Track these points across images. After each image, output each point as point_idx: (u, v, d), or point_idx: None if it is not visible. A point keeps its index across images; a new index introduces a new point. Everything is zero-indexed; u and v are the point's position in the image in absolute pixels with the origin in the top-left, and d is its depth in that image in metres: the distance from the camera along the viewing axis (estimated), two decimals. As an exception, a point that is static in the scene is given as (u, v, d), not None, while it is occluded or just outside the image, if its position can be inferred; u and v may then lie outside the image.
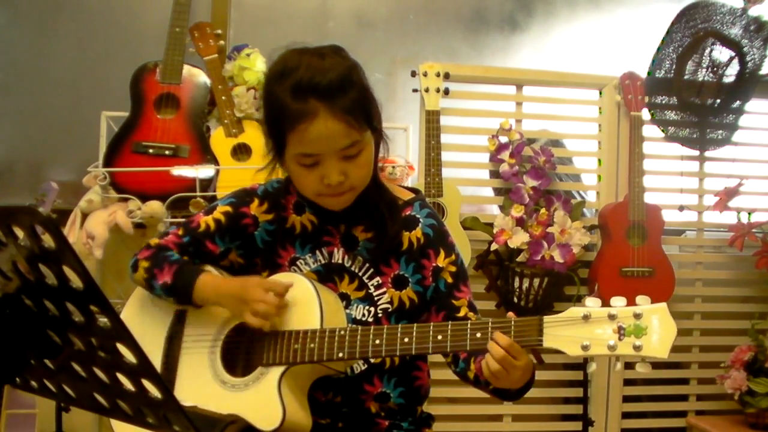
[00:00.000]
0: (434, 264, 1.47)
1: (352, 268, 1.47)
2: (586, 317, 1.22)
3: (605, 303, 1.22)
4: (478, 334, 1.27)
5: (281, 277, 1.44)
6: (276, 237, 1.50)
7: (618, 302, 1.22)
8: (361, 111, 1.34)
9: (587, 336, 1.21)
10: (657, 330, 1.19)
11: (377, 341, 1.32)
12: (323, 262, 1.49)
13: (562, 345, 1.22)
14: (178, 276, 1.42)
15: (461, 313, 1.46)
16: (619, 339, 1.19)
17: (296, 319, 1.37)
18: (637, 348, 1.18)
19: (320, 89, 1.30)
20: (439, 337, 1.30)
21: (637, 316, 1.19)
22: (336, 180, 1.35)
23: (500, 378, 1.27)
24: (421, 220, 1.49)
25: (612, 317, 1.21)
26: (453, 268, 1.48)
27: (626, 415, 2.68)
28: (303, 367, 1.36)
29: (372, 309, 1.46)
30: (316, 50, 1.36)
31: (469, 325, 1.29)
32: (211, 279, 1.43)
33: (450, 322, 1.34)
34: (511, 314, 1.29)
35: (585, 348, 1.21)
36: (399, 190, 1.56)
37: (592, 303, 1.23)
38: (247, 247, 1.51)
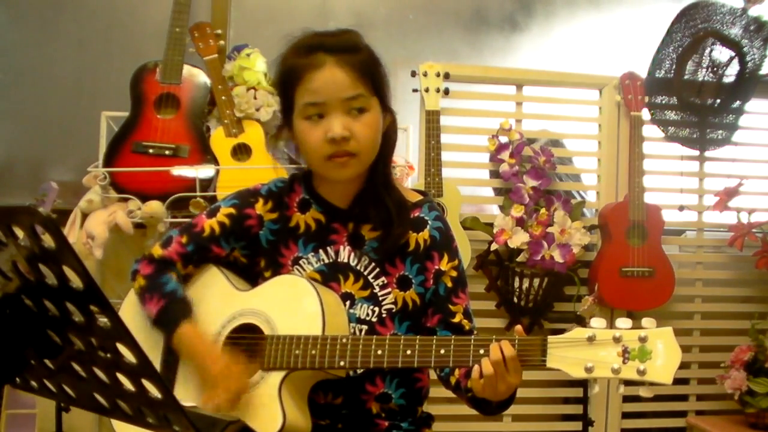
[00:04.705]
0: (437, 267, 1.47)
1: (358, 267, 1.47)
2: (590, 339, 1.21)
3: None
4: (482, 351, 1.27)
5: (283, 279, 1.44)
6: (280, 236, 1.50)
7: (623, 324, 1.21)
8: (369, 74, 1.37)
9: (591, 358, 1.21)
10: (662, 355, 1.18)
11: (379, 352, 1.32)
12: (327, 261, 1.48)
13: (566, 366, 1.22)
14: (162, 314, 1.43)
15: (456, 319, 1.46)
16: (624, 362, 1.19)
17: (298, 321, 1.37)
18: (641, 372, 1.18)
19: (328, 45, 1.36)
20: (442, 351, 1.30)
21: (643, 339, 1.19)
22: (339, 133, 1.34)
23: (486, 385, 1.26)
24: (429, 222, 1.49)
25: (617, 339, 1.20)
26: (454, 273, 1.48)
27: (626, 415, 2.67)
28: (303, 372, 1.36)
29: (376, 309, 1.46)
30: (330, 30, 1.42)
31: (473, 341, 1.29)
32: (188, 336, 1.41)
33: (453, 336, 1.33)
34: (518, 328, 1.29)
35: (588, 370, 1.20)
36: (408, 191, 1.56)
37: (597, 324, 1.23)
38: (252, 248, 1.51)
